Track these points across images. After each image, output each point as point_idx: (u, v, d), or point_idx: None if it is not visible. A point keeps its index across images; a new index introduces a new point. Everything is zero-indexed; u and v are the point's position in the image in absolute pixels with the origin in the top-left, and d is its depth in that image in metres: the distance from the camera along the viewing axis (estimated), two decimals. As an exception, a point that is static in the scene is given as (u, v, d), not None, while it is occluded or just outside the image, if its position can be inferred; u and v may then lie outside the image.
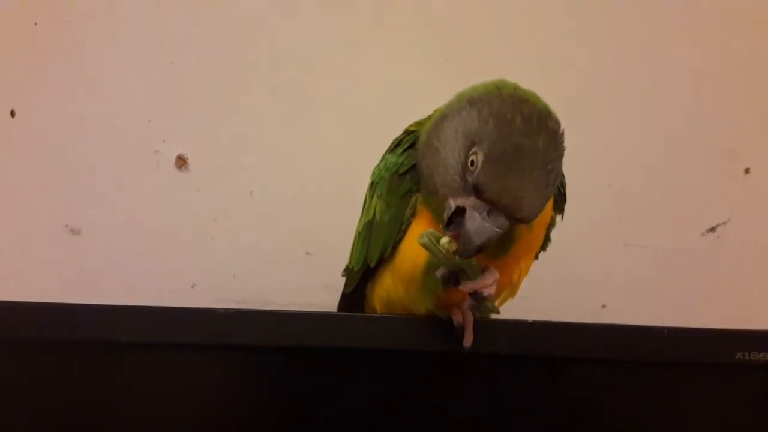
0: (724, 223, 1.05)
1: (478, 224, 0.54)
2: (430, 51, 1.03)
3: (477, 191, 0.55)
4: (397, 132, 0.70)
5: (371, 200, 0.70)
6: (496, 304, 0.65)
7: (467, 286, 0.58)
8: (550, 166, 0.54)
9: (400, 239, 0.66)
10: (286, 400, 0.66)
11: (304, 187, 1.01)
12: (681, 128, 1.05)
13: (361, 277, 0.73)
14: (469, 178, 0.55)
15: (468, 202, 0.55)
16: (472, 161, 0.55)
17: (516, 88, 0.58)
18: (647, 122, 1.05)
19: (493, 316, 0.73)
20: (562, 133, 0.56)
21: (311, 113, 1.02)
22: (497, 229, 0.54)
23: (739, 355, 0.66)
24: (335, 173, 1.01)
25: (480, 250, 0.55)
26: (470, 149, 0.55)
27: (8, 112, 0.98)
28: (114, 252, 0.99)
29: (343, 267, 0.80)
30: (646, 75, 1.05)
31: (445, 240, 0.57)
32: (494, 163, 0.54)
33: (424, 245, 0.58)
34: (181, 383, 0.66)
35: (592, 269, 1.04)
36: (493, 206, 0.54)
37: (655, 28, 1.05)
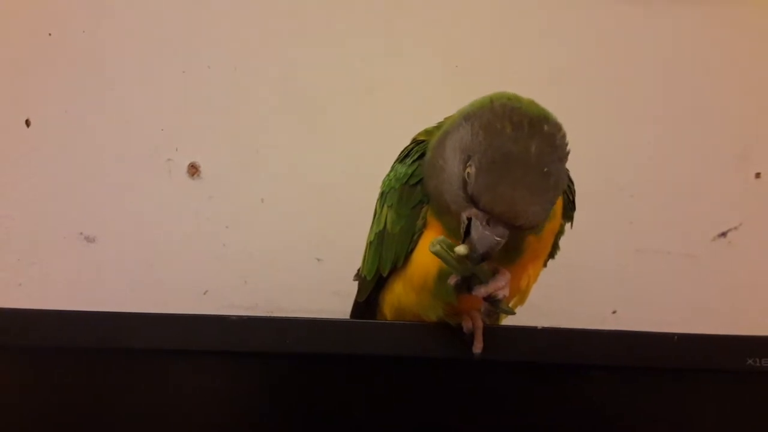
0: (735, 228, 1.05)
1: (480, 233, 0.55)
2: (439, 57, 1.04)
3: (474, 202, 0.56)
4: (408, 138, 0.71)
5: (382, 210, 0.70)
6: (508, 308, 0.65)
7: (480, 291, 0.59)
8: (546, 170, 0.54)
9: (412, 249, 0.67)
10: (298, 406, 0.67)
11: (315, 194, 1.02)
12: (692, 133, 1.05)
13: (373, 285, 0.74)
14: (468, 191, 0.56)
15: (471, 212, 0.56)
16: (468, 173, 0.56)
17: (510, 98, 0.57)
18: (658, 127, 1.05)
19: (504, 321, 0.73)
20: (563, 136, 0.56)
21: (321, 121, 1.03)
22: (497, 238, 0.55)
23: (750, 361, 0.66)
24: (346, 180, 1.01)
25: (484, 257, 0.56)
26: (466, 163, 0.56)
27: (24, 122, 1.00)
28: (128, 259, 1.00)
29: (353, 274, 0.81)
30: (657, 79, 1.05)
31: (457, 248, 0.57)
32: (485, 174, 0.54)
33: (436, 253, 0.58)
34: (194, 389, 0.66)
35: (603, 275, 1.04)
36: (490, 215, 0.55)
37: (667, 32, 1.05)
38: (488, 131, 0.55)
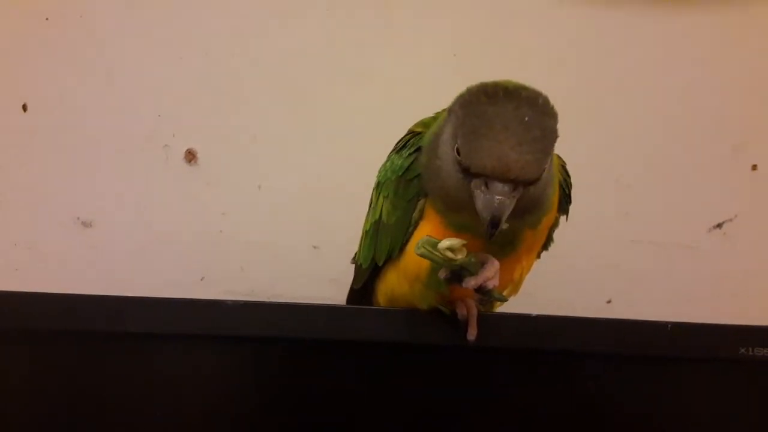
0: (731, 220, 1.05)
1: (481, 200, 0.55)
2: (437, 46, 1.04)
3: (467, 172, 0.56)
4: (405, 127, 0.71)
5: (378, 200, 0.70)
6: (500, 298, 0.66)
7: (470, 283, 0.59)
8: (527, 119, 0.54)
9: (407, 240, 0.67)
10: (292, 391, 0.67)
11: (312, 181, 1.02)
12: (688, 124, 1.05)
13: (369, 273, 0.74)
14: (461, 165, 0.56)
15: (471, 186, 0.56)
16: (457, 149, 0.56)
17: (486, 82, 0.58)
18: (654, 118, 1.05)
19: (498, 309, 0.74)
20: (546, 99, 0.56)
21: (319, 108, 1.03)
22: (498, 197, 0.54)
23: (742, 350, 0.67)
24: (342, 168, 1.01)
25: (495, 224, 0.55)
26: (455, 144, 0.57)
27: (20, 107, 1.00)
28: (124, 244, 1.00)
29: (349, 261, 0.81)
30: (653, 70, 1.05)
31: (442, 244, 0.58)
32: (469, 140, 0.55)
33: (421, 255, 0.59)
34: (190, 374, 0.67)
35: (599, 265, 1.05)
36: (485, 177, 0.55)
37: (662, 24, 1.05)
38: (466, 107, 0.56)
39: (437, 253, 0.58)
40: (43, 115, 1.00)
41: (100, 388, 0.66)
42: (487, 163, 0.54)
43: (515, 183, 0.55)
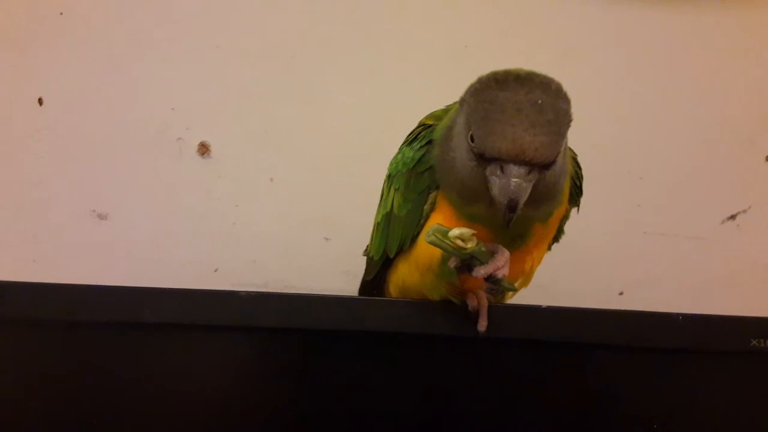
0: (744, 212, 1.05)
1: (497, 186, 0.55)
2: (448, 37, 1.03)
3: (482, 158, 0.56)
4: (416, 119, 0.71)
5: (389, 193, 0.71)
6: (511, 291, 0.66)
7: (480, 272, 0.59)
8: (540, 102, 0.54)
9: (418, 232, 0.67)
10: (305, 381, 0.68)
11: (323, 174, 1.03)
12: (701, 116, 1.04)
13: (380, 265, 0.74)
14: (475, 152, 0.56)
15: (486, 173, 0.56)
16: (471, 136, 0.56)
17: (499, 70, 0.58)
18: (666, 110, 1.04)
19: (510, 300, 0.74)
20: (558, 84, 0.56)
21: (330, 101, 1.03)
22: (514, 180, 0.54)
23: (754, 342, 0.67)
24: (354, 160, 1.02)
25: (512, 208, 0.55)
26: (469, 132, 0.57)
27: (36, 100, 1.01)
28: (139, 237, 1.01)
29: (360, 254, 0.82)
30: (665, 62, 1.04)
31: (452, 233, 0.58)
32: (482, 125, 0.55)
33: (432, 243, 0.59)
34: (204, 363, 0.67)
35: (611, 257, 1.05)
36: (500, 161, 0.55)
37: (674, 16, 1.04)
38: (478, 95, 0.56)
39: (447, 242, 0.58)
40: (58, 109, 1.01)
41: (116, 378, 0.67)
42: (502, 146, 0.54)
43: (531, 165, 0.55)
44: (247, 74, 1.02)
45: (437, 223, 0.60)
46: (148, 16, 1.02)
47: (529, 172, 0.55)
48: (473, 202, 0.60)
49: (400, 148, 0.71)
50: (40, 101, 1.01)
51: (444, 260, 0.62)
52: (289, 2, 1.03)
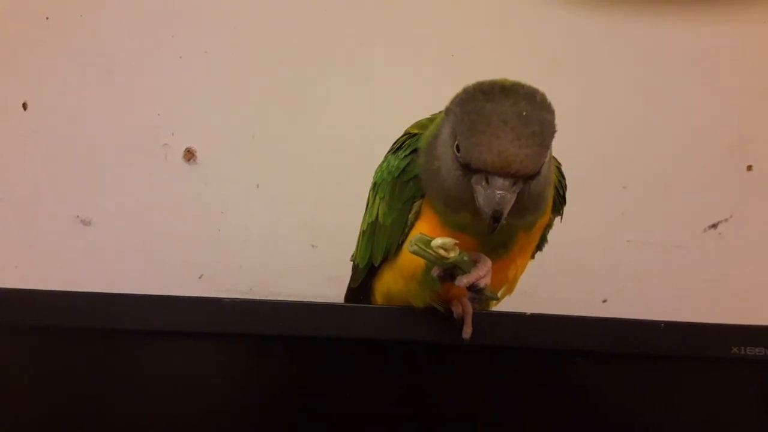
0: (726, 220, 1.06)
1: (482, 196, 0.56)
2: (434, 46, 1.04)
3: (467, 168, 0.56)
4: (402, 127, 0.71)
5: (374, 201, 0.71)
6: (494, 298, 0.66)
7: (463, 281, 0.60)
8: (525, 114, 0.54)
9: (403, 241, 0.67)
10: (290, 388, 0.68)
11: (310, 180, 1.03)
12: (684, 125, 1.05)
13: (366, 272, 0.74)
14: (461, 162, 0.57)
15: (472, 182, 0.57)
16: (457, 146, 0.57)
17: (482, 81, 0.59)
18: (649, 119, 1.05)
19: (494, 308, 0.74)
20: (543, 95, 0.57)
21: (317, 107, 1.03)
22: (499, 192, 0.55)
23: (734, 349, 0.67)
24: (340, 167, 1.02)
25: (496, 219, 0.56)
26: (454, 143, 0.57)
27: (20, 105, 1.00)
28: (124, 242, 1.00)
29: (347, 260, 0.82)
30: (649, 71, 1.06)
31: (435, 242, 0.59)
32: (468, 136, 0.55)
33: (414, 253, 0.60)
34: (188, 371, 0.67)
35: (594, 265, 1.05)
36: (485, 173, 0.55)
37: (657, 25, 1.05)
38: (463, 105, 0.57)
39: (430, 251, 0.59)
40: (43, 114, 1.00)
41: (99, 385, 0.66)
42: (488, 158, 0.54)
43: (515, 177, 0.55)
44: (234, 80, 1.02)
45: (420, 233, 0.61)
46: (135, 21, 1.02)
47: (514, 183, 0.55)
48: (458, 210, 0.61)
49: (386, 157, 0.71)
50: (25, 106, 1.00)
51: (428, 269, 0.63)
52: (277, 9, 1.03)
